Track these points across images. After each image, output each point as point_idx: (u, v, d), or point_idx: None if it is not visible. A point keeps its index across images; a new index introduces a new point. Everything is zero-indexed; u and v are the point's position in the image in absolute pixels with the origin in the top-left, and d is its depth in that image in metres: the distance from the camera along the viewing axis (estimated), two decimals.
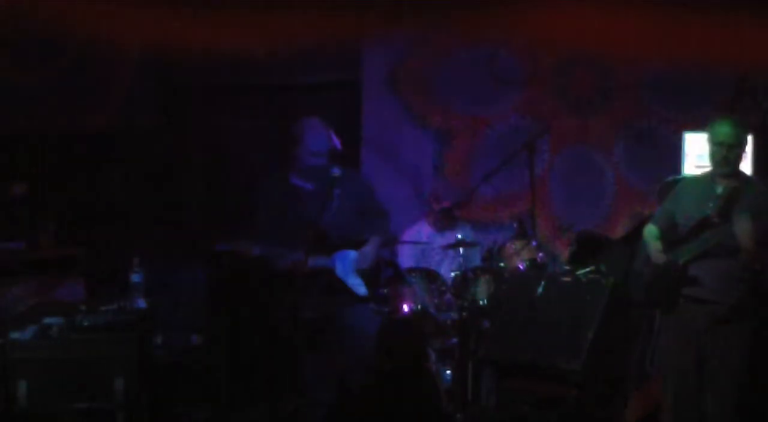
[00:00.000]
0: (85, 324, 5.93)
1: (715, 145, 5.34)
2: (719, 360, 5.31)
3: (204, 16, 7.56)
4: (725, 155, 5.30)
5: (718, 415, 5.30)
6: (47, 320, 6.04)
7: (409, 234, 7.34)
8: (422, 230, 7.38)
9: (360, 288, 6.08)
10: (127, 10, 7.41)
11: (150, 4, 7.46)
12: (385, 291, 6.67)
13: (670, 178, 6.73)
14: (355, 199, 6.10)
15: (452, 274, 6.92)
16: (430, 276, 6.90)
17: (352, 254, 6.06)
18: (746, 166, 6.62)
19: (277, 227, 5.94)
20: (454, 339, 6.65)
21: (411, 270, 6.90)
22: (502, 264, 6.92)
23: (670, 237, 5.47)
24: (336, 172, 5.93)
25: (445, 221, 7.36)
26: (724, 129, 5.33)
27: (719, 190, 5.33)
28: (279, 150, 6.33)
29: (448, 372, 6.57)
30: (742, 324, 5.31)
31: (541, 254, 6.98)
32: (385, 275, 6.75)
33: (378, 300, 6.53)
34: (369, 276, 6.12)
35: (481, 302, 6.78)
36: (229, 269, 7.06)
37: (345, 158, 6.39)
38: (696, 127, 7.01)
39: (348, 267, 6.04)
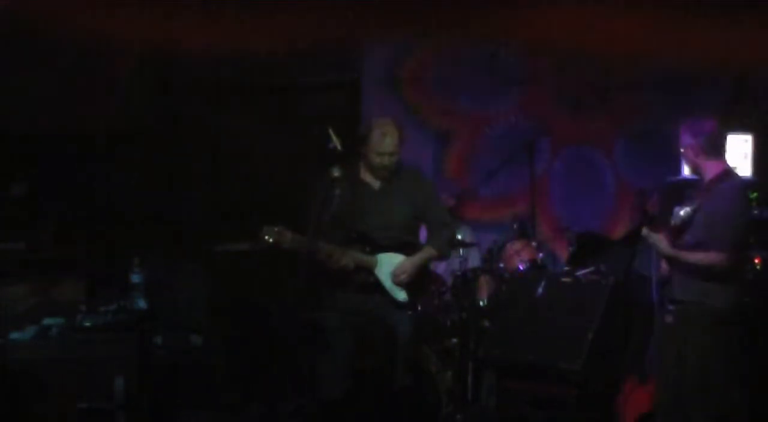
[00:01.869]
0: (85, 324, 5.92)
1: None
2: (692, 360, 5.25)
3: (204, 16, 7.56)
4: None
5: (699, 418, 5.26)
6: (47, 320, 6.04)
7: None
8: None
9: (399, 293, 5.82)
10: (127, 10, 7.41)
11: (150, 3, 7.47)
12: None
13: (670, 178, 6.74)
14: (412, 204, 5.89)
15: (452, 274, 6.92)
16: (431, 277, 6.90)
17: (398, 258, 5.83)
18: (746, 166, 6.63)
19: (331, 221, 5.77)
20: (454, 339, 6.65)
21: None
22: (502, 265, 6.93)
23: None
24: (336, 172, 5.86)
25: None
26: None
27: None
28: (282, 150, 6.26)
29: (449, 372, 6.57)
30: (718, 325, 5.24)
31: (541, 254, 6.99)
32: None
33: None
34: (416, 284, 5.88)
35: (481, 302, 6.79)
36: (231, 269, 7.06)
37: (345, 158, 6.38)
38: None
39: (389, 271, 5.81)
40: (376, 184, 5.88)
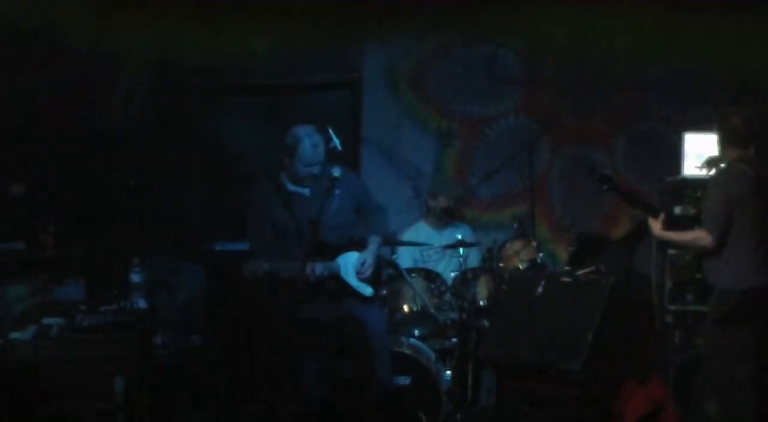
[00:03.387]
0: (85, 324, 5.92)
1: None
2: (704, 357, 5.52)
3: (204, 16, 7.57)
4: None
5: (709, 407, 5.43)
6: (47, 320, 6.04)
7: (408, 235, 7.34)
8: (421, 230, 7.38)
9: (366, 289, 6.04)
10: (127, 10, 7.42)
11: (150, 4, 7.47)
12: (385, 291, 6.67)
13: (670, 178, 6.74)
14: (352, 198, 6.06)
15: (452, 274, 6.92)
16: (430, 277, 6.90)
17: (355, 256, 6.01)
18: None
19: (275, 236, 5.90)
20: (454, 339, 6.65)
21: (411, 270, 6.90)
22: (501, 265, 6.93)
23: None
24: (336, 172, 5.91)
25: (443, 219, 7.37)
26: None
27: None
28: (276, 152, 6.28)
29: (448, 372, 6.57)
30: (719, 325, 5.44)
31: (540, 254, 6.99)
32: (386, 275, 6.75)
33: (380, 301, 6.52)
34: (371, 276, 6.09)
35: (480, 302, 6.79)
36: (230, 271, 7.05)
37: (345, 158, 6.39)
38: (696, 127, 7.01)
39: (351, 269, 6.00)
40: (305, 191, 5.93)
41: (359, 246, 6.06)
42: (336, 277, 5.96)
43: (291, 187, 5.97)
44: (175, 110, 8.14)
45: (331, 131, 6.21)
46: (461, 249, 6.88)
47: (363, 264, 5.98)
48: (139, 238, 7.19)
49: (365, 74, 8.10)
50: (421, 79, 8.06)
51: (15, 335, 5.85)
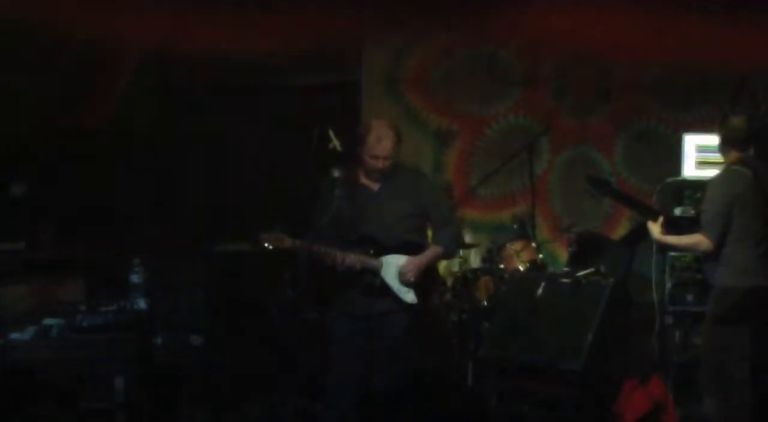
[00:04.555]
0: (85, 324, 5.91)
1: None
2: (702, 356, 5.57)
3: (204, 16, 7.57)
4: None
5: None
6: (47, 320, 6.03)
7: None
8: None
9: (408, 295, 5.74)
10: (127, 10, 7.42)
11: (150, 4, 7.47)
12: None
13: (670, 179, 6.74)
14: (418, 203, 5.82)
15: (452, 274, 6.93)
16: (438, 277, 6.89)
17: (402, 258, 5.76)
18: None
19: (333, 224, 5.66)
20: (454, 339, 6.65)
21: None
22: (502, 265, 6.93)
23: None
24: (335, 172, 5.84)
25: None
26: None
27: None
28: (282, 150, 6.25)
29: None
30: (718, 324, 5.48)
31: (540, 255, 6.99)
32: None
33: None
34: (423, 285, 5.81)
35: (481, 303, 6.79)
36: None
37: (345, 158, 6.37)
38: (696, 127, 7.02)
39: (395, 271, 5.73)
40: (374, 185, 5.85)
41: (414, 251, 5.79)
42: (375, 275, 5.73)
43: (362, 180, 5.89)
44: (175, 110, 8.14)
45: (331, 131, 6.20)
46: (461, 250, 6.88)
47: (405, 266, 5.72)
48: (139, 238, 7.20)
49: (365, 74, 8.10)
50: (421, 79, 8.06)
51: (15, 335, 5.84)
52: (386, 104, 8.07)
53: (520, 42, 7.93)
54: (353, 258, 5.63)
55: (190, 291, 7.21)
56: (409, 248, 5.77)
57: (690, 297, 6.54)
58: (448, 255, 6.16)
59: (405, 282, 5.72)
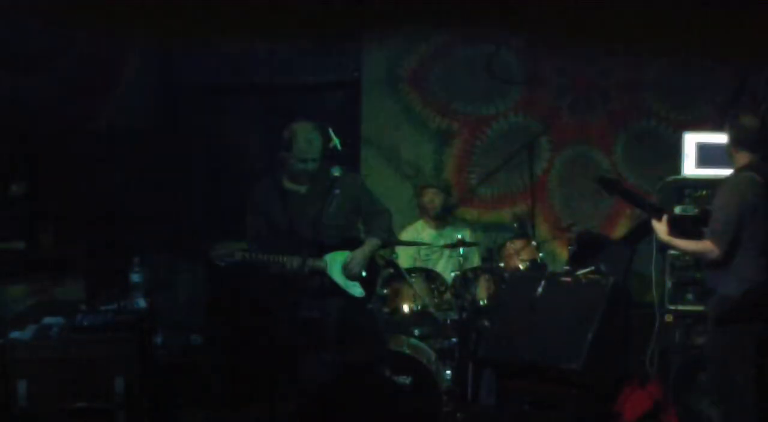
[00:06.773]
0: (85, 324, 5.93)
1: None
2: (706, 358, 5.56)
3: (204, 16, 7.56)
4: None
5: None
6: (47, 320, 6.04)
7: (407, 234, 7.34)
8: (421, 229, 7.38)
9: (355, 289, 5.99)
10: (127, 10, 7.41)
11: (150, 3, 7.46)
12: (385, 291, 6.65)
13: (670, 178, 6.74)
14: (352, 199, 6.02)
15: (452, 274, 6.93)
16: (430, 277, 6.90)
17: (344, 254, 5.97)
18: None
19: (269, 232, 5.89)
20: (454, 339, 6.65)
21: (411, 270, 6.90)
22: (501, 265, 6.93)
23: None
24: (335, 172, 5.88)
25: (443, 219, 7.36)
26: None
27: None
28: (273, 151, 6.27)
29: (448, 372, 6.57)
30: (720, 326, 5.43)
31: (540, 254, 6.99)
32: (386, 275, 6.73)
33: (377, 301, 6.51)
34: (366, 277, 6.05)
35: (481, 302, 6.79)
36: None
37: (345, 158, 6.38)
38: (696, 127, 7.01)
39: (339, 268, 5.95)
40: (301, 188, 5.93)
41: (353, 245, 6.02)
42: (322, 275, 5.91)
43: (288, 185, 5.96)
44: (175, 110, 8.14)
45: (330, 131, 6.21)
46: (461, 249, 6.88)
47: (350, 262, 5.94)
48: (139, 238, 7.20)
49: (365, 74, 8.09)
50: (421, 79, 8.06)
51: (15, 335, 5.86)
52: (386, 104, 8.07)
53: (520, 42, 7.93)
54: (300, 262, 5.70)
55: (190, 291, 7.22)
56: (349, 245, 5.98)
57: (690, 297, 6.54)
58: (385, 244, 6.36)
59: (351, 277, 5.94)
